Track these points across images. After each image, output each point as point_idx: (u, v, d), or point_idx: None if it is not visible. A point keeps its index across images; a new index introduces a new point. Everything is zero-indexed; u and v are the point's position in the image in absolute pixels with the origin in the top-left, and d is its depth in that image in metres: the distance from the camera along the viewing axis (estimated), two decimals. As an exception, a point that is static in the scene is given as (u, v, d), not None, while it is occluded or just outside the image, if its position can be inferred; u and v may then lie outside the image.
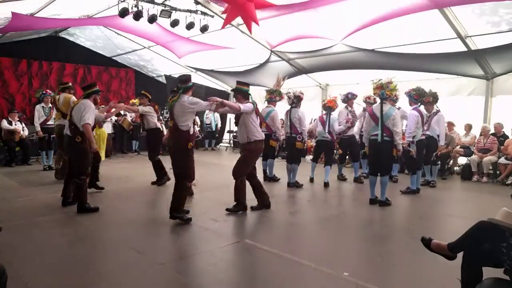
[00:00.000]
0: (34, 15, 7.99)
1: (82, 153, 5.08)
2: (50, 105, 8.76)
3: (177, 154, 4.62)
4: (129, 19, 7.64)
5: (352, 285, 3.03)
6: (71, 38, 12.15)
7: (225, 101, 4.77)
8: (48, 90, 9.22)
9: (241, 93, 5.17)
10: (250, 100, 5.12)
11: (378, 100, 5.95)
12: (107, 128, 11.08)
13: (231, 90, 5.57)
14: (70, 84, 7.43)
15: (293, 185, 7.05)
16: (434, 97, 6.88)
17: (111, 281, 3.08)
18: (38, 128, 8.66)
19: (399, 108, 6.52)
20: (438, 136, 6.92)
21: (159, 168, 7.01)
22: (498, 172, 7.96)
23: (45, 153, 8.86)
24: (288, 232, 4.56)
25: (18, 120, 9.53)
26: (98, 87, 5.42)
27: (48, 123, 8.76)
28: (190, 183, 4.79)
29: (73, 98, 6.76)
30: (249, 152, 5.16)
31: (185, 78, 4.69)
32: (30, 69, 11.62)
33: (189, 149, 4.59)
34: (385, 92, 5.68)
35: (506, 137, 8.07)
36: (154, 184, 7.03)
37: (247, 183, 5.32)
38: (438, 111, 7.03)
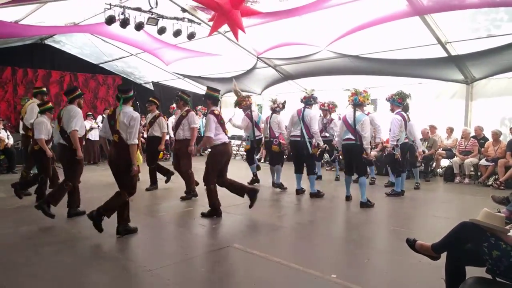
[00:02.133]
0: (19, 22, 7.93)
1: (77, 161, 5.10)
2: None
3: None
4: (116, 27, 7.64)
5: (340, 286, 3.08)
6: (57, 45, 12.04)
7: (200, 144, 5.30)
8: (33, 98, 9.10)
9: (211, 98, 5.36)
10: (217, 107, 5.38)
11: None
12: (95, 135, 11.01)
13: (204, 96, 5.74)
14: (44, 89, 7.12)
15: (277, 185, 7.28)
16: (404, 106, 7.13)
17: (100, 288, 3.08)
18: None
19: (368, 114, 6.69)
20: (413, 141, 7.12)
21: (155, 174, 7.12)
22: (479, 173, 8.18)
23: (30, 161, 8.71)
24: (277, 235, 4.61)
25: (2, 128, 9.39)
26: (80, 90, 5.32)
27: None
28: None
29: (32, 106, 6.52)
30: (211, 156, 5.29)
31: (127, 88, 4.53)
32: (15, 76, 11.46)
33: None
34: (358, 98, 5.94)
35: (486, 139, 8.30)
36: (148, 191, 7.05)
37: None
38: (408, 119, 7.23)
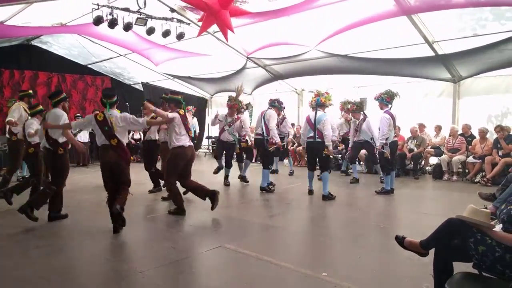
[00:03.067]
0: (4, 23, 7.81)
1: (64, 165, 5.09)
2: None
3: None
4: (104, 27, 7.57)
5: (331, 285, 3.11)
6: (44, 46, 11.87)
7: (157, 109, 5.14)
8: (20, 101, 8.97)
9: (173, 101, 5.47)
10: (181, 108, 5.41)
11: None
12: (83, 137, 10.90)
13: (165, 99, 5.87)
14: (31, 91, 6.98)
15: (242, 178, 7.98)
16: (358, 106, 7.90)
17: (91, 291, 3.06)
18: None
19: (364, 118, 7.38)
20: (372, 139, 7.62)
21: (156, 177, 7.08)
22: (467, 170, 8.30)
23: (18, 164, 8.59)
24: (267, 235, 4.62)
25: (-12, 131, 9.25)
26: (64, 94, 5.32)
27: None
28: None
29: (16, 106, 6.52)
30: (169, 159, 5.36)
31: (111, 93, 4.74)
32: (1, 78, 11.26)
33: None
34: (320, 99, 6.41)
35: (474, 137, 8.43)
36: (151, 193, 7.02)
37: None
38: (365, 117, 7.84)
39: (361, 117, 7.85)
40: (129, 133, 12.04)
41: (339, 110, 8.79)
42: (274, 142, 7.04)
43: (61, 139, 5.06)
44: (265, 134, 7.13)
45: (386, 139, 6.59)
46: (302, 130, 7.31)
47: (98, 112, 4.75)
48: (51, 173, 5.16)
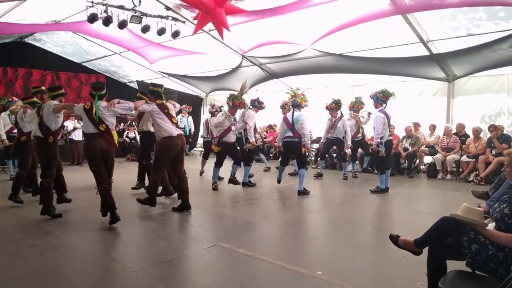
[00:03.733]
0: (-2, 20, 7.76)
1: (52, 154, 5.20)
2: (16, 112, 8.47)
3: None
4: (98, 25, 7.52)
5: (326, 283, 3.12)
6: (37, 44, 11.78)
7: (120, 100, 5.01)
8: (14, 98, 8.89)
9: (154, 94, 5.46)
10: (162, 100, 5.37)
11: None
12: (78, 135, 10.85)
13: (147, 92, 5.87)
14: (43, 88, 6.69)
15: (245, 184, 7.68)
16: (337, 104, 8.20)
17: (85, 290, 3.04)
18: (4, 137, 8.34)
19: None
20: (343, 137, 8.23)
21: (144, 172, 7.00)
22: (461, 169, 8.36)
23: (11, 162, 8.55)
24: (262, 234, 4.62)
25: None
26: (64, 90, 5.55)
27: (15, 131, 8.47)
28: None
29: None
30: (160, 148, 5.35)
31: (100, 86, 4.96)
32: (-6, 75, 11.19)
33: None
34: (296, 100, 6.66)
35: (467, 136, 8.49)
36: (134, 189, 6.99)
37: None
38: (342, 116, 8.30)
39: (338, 115, 8.26)
40: (123, 132, 12.00)
41: (347, 110, 8.75)
42: (250, 141, 7.34)
43: (54, 127, 5.17)
44: (243, 133, 7.42)
45: (381, 138, 6.61)
46: (279, 129, 7.70)
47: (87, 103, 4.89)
48: (41, 164, 5.24)
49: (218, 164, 7.21)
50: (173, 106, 5.52)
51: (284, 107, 8.43)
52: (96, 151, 4.68)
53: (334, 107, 8.24)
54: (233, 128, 7.20)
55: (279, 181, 7.36)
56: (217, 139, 7.17)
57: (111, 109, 4.76)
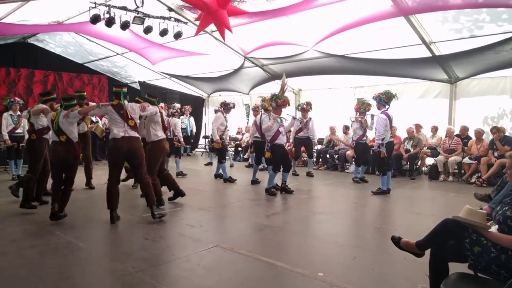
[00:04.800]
0: (1, 21, 7.77)
1: (38, 156, 5.72)
2: (18, 113, 8.52)
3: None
4: (101, 26, 7.54)
5: (327, 285, 3.11)
6: (40, 44, 11.83)
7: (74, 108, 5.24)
8: (16, 98, 8.94)
9: (150, 102, 5.63)
10: (120, 100, 5.30)
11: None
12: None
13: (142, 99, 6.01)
14: (54, 96, 6.43)
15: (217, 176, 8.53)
16: (309, 105, 8.71)
17: (85, 290, 3.04)
18: (6, 137, 8.38)
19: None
20: (312, 137, 9.09)
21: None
22: (462, 171, 8.33)
23: (13, 162, 8.58)
24: (263, 235, 4.61)
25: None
26: (55, 95, 5.97)
27: (17, 131, 8.51)
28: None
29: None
30: (148, 151, 5.64)
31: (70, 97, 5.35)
32: (-4, 76, 11.23)
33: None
34: (264, 104, 7.08)
35: (470, 138, 8.46)
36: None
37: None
38: (311, 118, 8.94)
39: (309, 116, 8.85)
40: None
41: (353, 112, 8.46)
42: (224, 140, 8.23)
43: (38, 126, 5.78)
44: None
45: (382, 139, 6.62)
46: (251, 131, 8.83)
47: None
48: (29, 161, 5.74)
49: (276, 169, 6.83)
50: (141, 108, 5.20)
51: (255, 109, 8.80)
52: (56, 156, 5.02)
53: (306, 108, 8.70)
54: (281, 129, 6.86)
55: (252, 182, 7.85)
56: (268, 144, 6.88)
57: (67, 120, 4.98)
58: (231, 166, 10.65)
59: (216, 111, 9.11)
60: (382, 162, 6.78)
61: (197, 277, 3.30)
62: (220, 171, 8.45)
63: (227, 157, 9.26)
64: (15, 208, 5.57)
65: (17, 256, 3.76)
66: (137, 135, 5.03)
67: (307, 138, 9.01)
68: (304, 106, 8.76)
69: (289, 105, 7.08)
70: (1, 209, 5.66)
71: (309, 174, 9.03)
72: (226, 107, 8.50)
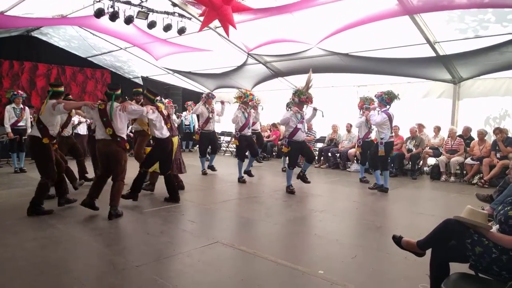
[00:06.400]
0: (5, 13, 7.77)
1: (47, 154, 5.13)
2: (21, 106, 8.54)
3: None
4: (105, 20, 7.53)
5: (327, 283, 3.12)
6: (44, 38, 11.81)
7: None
8: (19, 91, 8.96)
9: (148, 98, 5.60)
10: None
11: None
12: (83, 130, 10.85)
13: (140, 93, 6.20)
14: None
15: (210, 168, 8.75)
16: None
17: (86, 285, 3.05)
18: (9, 130, 8.40)
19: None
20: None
21: None
22: (464, 172, 8.32)
23: (16, 155, 8.61)
24: (264, 232, 4.62)
25: (-13, 121, 9.22)
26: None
27: (19, 124, 8.53)
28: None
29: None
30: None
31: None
32: (0, 68, 11.22)
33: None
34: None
35: (472, 138, 8.44)
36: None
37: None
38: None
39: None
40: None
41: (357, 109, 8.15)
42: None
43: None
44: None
45: (382, 138, 6.64)
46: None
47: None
48: (36, 163, 5.29)
49: (292, 166, 6.81)
50: (121, 109, 5.04)
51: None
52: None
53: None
54: (299, 125, 6.71)
55: (239, 180, 7.77)
56: (286, 139, 6.83)
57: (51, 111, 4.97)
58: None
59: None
60: (378, 159, 6.86)
61: (197, 273, 3.32)
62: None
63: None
64: (18, 201, 5.59)
65: (19, 249, 3.78)
66: (117, 138, 4.93)
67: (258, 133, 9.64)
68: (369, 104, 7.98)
69: (311, 102, 6.89)
70: (3, 202, 5.69)
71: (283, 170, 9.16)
72: (208, 98, 8.69)
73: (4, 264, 3.42)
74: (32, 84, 11.74)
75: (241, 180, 7.76)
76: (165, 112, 5.79)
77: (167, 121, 5.67)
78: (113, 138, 4.90)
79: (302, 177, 6.98)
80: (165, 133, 5.62)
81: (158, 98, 5.96)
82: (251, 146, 8.07)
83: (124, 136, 5.07)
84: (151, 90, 5.76)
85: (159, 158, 5.81)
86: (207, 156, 9.17)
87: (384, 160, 6.88)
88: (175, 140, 6.17)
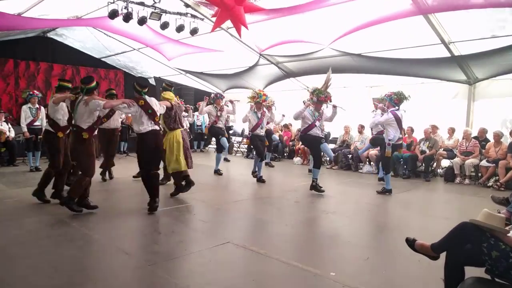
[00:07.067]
0: (22, 15, 7.92)
1: (57, 148, 5.60)
2: (37, 105, 8.69)
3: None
4: (118, 21, 7.62)
5: (339, 285, 3.09)
6: (59, 39, 12.02)
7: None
8: (35, 91, 9.12)
9: (135, 90, 5.27)
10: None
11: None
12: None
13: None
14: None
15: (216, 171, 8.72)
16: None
17: (98, 283, 3.08)
18: (25, 129, 8.56)
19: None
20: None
21: None
22: (479, 174, 8.16)
23: (31, 154, 8.76)
24: (276, 233, 4.61)
25: (4, 121, 9.38)
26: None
27: (35, 123, 8.68)
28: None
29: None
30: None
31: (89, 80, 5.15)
32: (17, 69, 11.46)
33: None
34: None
35: (488, 140, 8.28)
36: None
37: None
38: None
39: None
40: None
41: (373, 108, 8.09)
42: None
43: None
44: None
45: (390, 139, 6.58)
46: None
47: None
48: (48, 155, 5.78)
49: (318, 165, 6.86)
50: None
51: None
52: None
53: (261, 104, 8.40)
54: (317, 123, 6.76)
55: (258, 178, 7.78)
56: (299, 133, 7.05)
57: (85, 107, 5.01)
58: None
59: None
60: (387, 161, 6.80)
61: (209, 272, 3.32)
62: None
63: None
64: (33, 199, 5.68)
65: (34, 246, 3.85)
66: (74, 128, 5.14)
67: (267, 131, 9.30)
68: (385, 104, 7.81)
69: (330, 101, 6.87)
70: (19, 200, 5.79)
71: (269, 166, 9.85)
72: (216, 98, 8.87)
73: (20, 260, 3.48)
74: (47, 85, 11.95)
75: (260, 180, 7.73)
76: (173, 103, 5.90)
77: (155, 114, 5.26)
78: (77, 129, 5.04)
79: (315, 187, 6.83)
80: (146, 127, 5.16)
81: (158, 91, 5.98)
82: (258, 148, 7.94)
83: (83, 126, 4.98)
84: (139, 81, 5.37)
85: (145, 154, 5.29)
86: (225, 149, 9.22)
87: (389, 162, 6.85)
88: (178, 132, 6.11)
